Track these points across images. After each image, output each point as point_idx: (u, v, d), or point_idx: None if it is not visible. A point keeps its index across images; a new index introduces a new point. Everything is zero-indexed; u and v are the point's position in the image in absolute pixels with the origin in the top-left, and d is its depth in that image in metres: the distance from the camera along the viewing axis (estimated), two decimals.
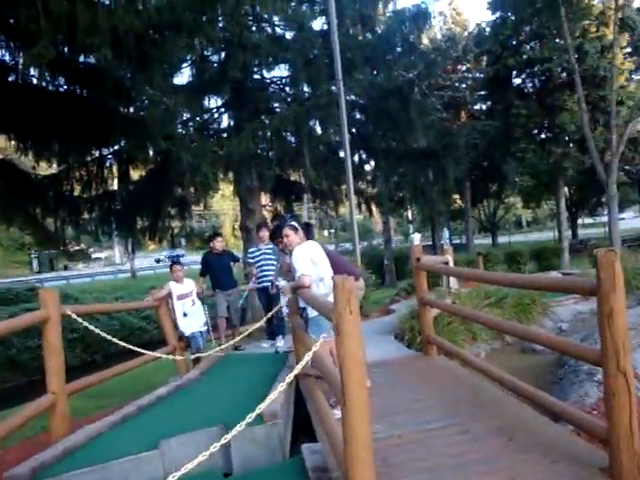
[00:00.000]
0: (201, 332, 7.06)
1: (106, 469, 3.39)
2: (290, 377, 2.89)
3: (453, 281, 9.48)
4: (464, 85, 29.01)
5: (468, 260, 17.38)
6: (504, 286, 6.33)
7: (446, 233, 14.46)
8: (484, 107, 29.08)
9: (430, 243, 32.06)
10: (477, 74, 28.13)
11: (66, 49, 8.73)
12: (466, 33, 30.22)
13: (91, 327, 4.82)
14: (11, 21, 8.24)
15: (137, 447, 3.60)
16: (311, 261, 4.39)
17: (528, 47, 23.38)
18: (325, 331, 4.21)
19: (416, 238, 9.73)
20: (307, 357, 2.92)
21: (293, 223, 4.66)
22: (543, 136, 25.17)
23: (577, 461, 3.04)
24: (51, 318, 4.26)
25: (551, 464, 3.03)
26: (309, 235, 4.64)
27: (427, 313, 6.03)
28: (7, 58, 9.21)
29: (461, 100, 28.37)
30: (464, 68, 29.00)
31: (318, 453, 3.20)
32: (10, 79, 9.49)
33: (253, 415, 2.78)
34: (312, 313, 4.33)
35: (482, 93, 27.88)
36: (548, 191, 30.59)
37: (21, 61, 8.80)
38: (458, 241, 39.41)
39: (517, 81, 24.88)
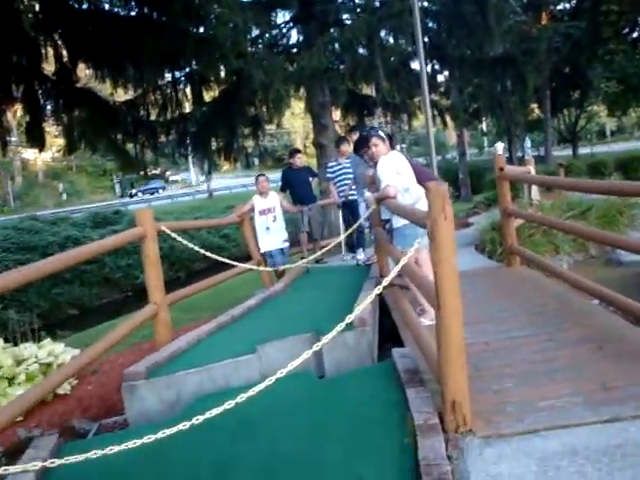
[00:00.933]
0: (282, 249, 7.23)
1: (209, 370, 3.68)
2: (381, 286, 2.97)
3: (535, 192, 9.19)
4: None
5: (548, 172, 16.65)
6: (590, 192, 6.05)
7: (528, 143, 13.80)
8: (568, 6, 26.80)
9: (507, 155, 30.83)
10: None
11: None
12: None
13: (185, 242, 5.09)
14: None
15: (234, 351, 3.86)
16: (396, 171, 4.36)
17: None
18: (411, 241, 4.26)
19: (499, 148, 9.37)
20: (398, 267, 2.97)
21: (380, 133, 4.59)
22: (635, 35, 23.08)
23: None
24: (148, 234, 4.52)
25: None
26: (392, 147, 4.58)
27: (510, 223, 5.93)
28: None
29: (542, 0, 26.22)
30: None
31: (408, 357, 3.32)
32: (84, 7, 9.63)
33: (345, 322, 2.90)
34: (397, 224, 4.36)
35: None
36: (637, 97, 28.35)
37: None
38: (536, 153, 37.65)
39: None
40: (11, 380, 4.29)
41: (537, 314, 4.31)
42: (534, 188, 9.15)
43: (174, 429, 2.38)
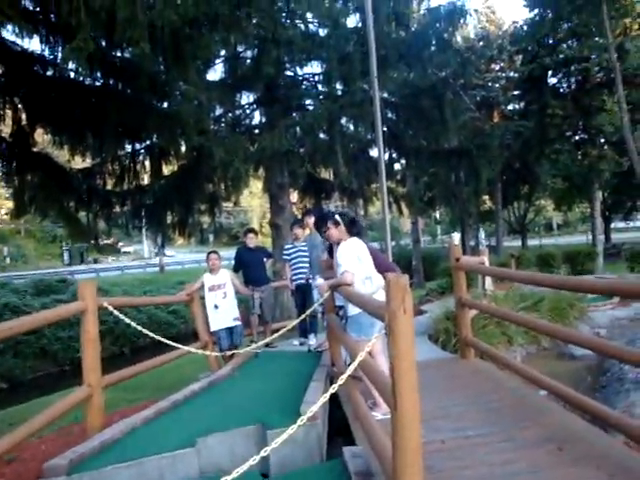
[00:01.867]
0: (230, 329, 6.92)
1: (142, 465, 3.35)
2: (336, 385, 2.77)
3: (489, 283, 9.29)
4: (497, 85, 28.55)
5: (499, 262, 17.09)
6: (546, 287, 6.13)
7: (482, 233, 14.21)
8: (518, 107, 28.61)
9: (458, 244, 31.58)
10: (511, 73, 27.66)
11: (104, 43, 8.78)
12: (500, 32, 29.74)
13: (127, 320, 4.79)
14: (52, 16, 8.32)
15: (172, 444, 3.55)
16: (357, 258, 4.26)
17: (565, 46, 22.92)
18: (366, 330, 4.11)
19: (455, 238, 9.53)
20: (355, 362, 2.79)
21: (336, 217, 4.51)
22: (578, 137, 24.67)
23: (636, 476, 2.88)
24: (89, 309, 4.24)
25: (609, 478, 2.87)
26: (354, 231, 4.49)
27: (465, 314, 5.88)
28: (46, 53, 9.31)
29: (494, 100, 27.92)
30: (498, 67, 28.55)
31: (359, 457, 3.10)
32: (48, 74, 9.60)
33: (296, 424, 2.68)
34: (352, 311, 4.22)
35: (516, 93, 27.41)
36: (581, 194, 29.98)
37: (60, 55, 8.87)
38: (487, 243, 38.81)
39: (553, 80, 24.46)
40: None
41: (493, 410, 4.17)
42: (488, 278, 9.26)
43: None
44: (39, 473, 3.36)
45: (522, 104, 27.27)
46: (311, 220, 6.80)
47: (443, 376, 5.39)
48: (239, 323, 6.96)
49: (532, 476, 2.99)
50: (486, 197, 33.20)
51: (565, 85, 24.14)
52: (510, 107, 29.19)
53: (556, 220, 63.44)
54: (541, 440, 3.47)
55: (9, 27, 7.81)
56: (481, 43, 27.01)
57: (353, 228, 4.48)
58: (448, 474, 3.08)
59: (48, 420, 3.78)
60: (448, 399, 4.56)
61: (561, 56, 22.44)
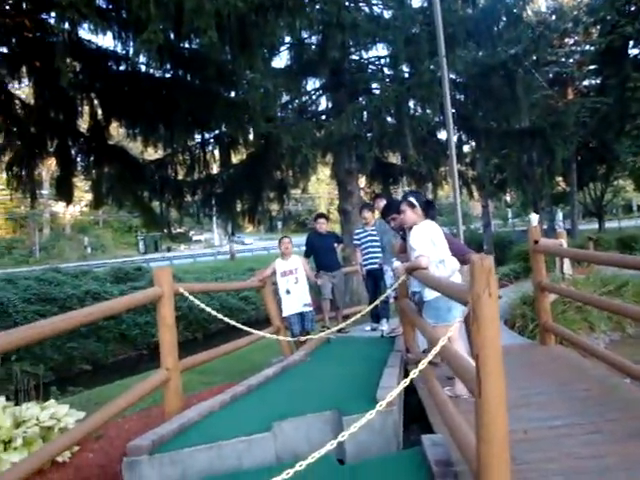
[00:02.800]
0: (302, 314, 6.95)
1: (220, 448, 3.38)
2: (416, 370, 2.69)
3: (567, 266, 8.88)
4: (572, 60, 27.17)
5: (575, 245, 16.34)
6: (630, 268, 5.77)
7: (560, 215, 13.63)
8: (594, 82, 27.15)
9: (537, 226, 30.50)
10: (587, 47, 26.22)
11: (172, 36, 8.95)
12: (575, 2, 28.21)
13: (203, 305, 4.87)
14: (123, 12, 8.55)
15: (248, 427, 3.57)
16: (431, 241, 4.13)
17: None
18: (444, 315, 3.99)
19: (534, 219, 9.16)
20: (436, 348, 2.69)
21: (411, 199, 4.35)
22: None
23: None
24: (165, 295, 4.32)
25: None
26: (429, 214, 4.34)
27: (545, 299, 5.63)
28: (119, 48, 9.61)
29: (568, 76, 26.61)
30: (572, 41, 27.14)
31: (440, 445, 3.00)
32: (121, 68, 9.90)
33: (374, 410, 2.61)
34: (429, 296, 4.10)
35: (592, 67, 25.99)
36: None
37: (131, 50, 9.12)
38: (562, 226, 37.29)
39: (634, 52, 22.95)
40: (7, 444, 4.01)
41: (578, 400, 3.96)
42: (566, 262, 8.86)
43: None
44: (123, 450, 3.47)
45: (599, 79, 25.82)
46: (382, 203, 6.68)
47: (522, 363, 5.18)
48: (311, 309, 6.97)
49: (625, 473, 2.79)
50: (560, 178, 31.83)
51: None
52: (585, 83, 27.75)
53: (636, 201, 59.99)
54: (633, 434, 3.25)
55: (85, 26, 8.05)
56: (554, 16, 25.76)
57: (429, 209, 4.33)
58: (534, 466, 2.94)
59: (131, 401, 3.91)
60: (529, 387, 4.38)
61: None
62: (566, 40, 26.80)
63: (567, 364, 4.98)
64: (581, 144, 25.47)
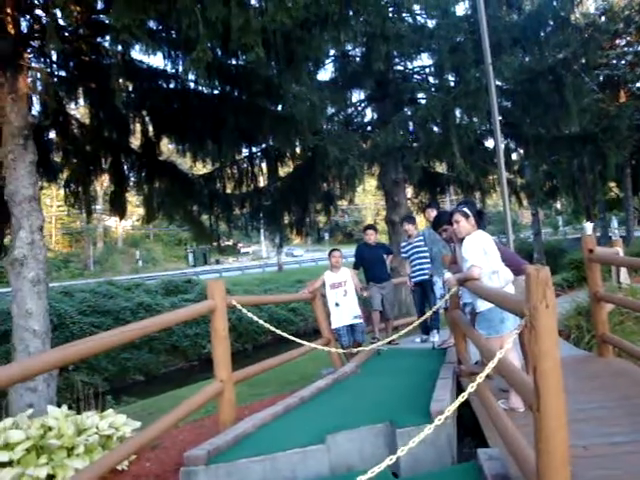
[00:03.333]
0: (351, 326, 6.92)
1: (275, 460, 3.41)
2: (474, 386, 2.66)
3: (624, 275, 8.57)
4: (624, 61, 26.36)
5: (631, 253, 15.77)
6: None
7: (615, 223, 13.22)
8: None
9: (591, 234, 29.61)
10: (639, 48, 25.41)
11: (220, 53, 9.17)
12: (626, 2, 27.40)
13: (256, 318, 4.94)
14: (172, 33, 8.83)
15: (302, 440, 3.59)
16: (483, 251, 4.07)
17: None
18: (497, 327, 3.93)
19: (588, 228, 8.93)
20: (493, 362, 2.66)
21: (465, 209, 4.31)
22: None
23: None
24: (218, 308, 4.41)
25: None
26: (481, 224, 4.29)
27: (601, 309, 5.46)
28: (169, 67, 9.92)
29: (620, 78, 25.81)
30: (624, 42, 26.34)
31: (496, 459, 2.94)
32: (171, 86, 10.20)
33: (431, 426, 2.59)
34: (481, 307, 4.04)
35: None
36: None
37: (181, 68, 9.40)
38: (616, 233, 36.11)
39: None
40: (70, 450, 4.16)
41: None
42: (623, 271, 8.55)
43: None
44: (179, 460, 3.55)
45: None
46: (433, 213, 6.62)
47: (580, 375, 5.02)
48: (360, 321, 6.94)
49: None
50: (613, 184, 30.82)
51: None
52: (639, 85, 26.85)
53: None
54: None
55: (137, 47, 8.35)
56: (604, 17, 25.07)
57: (481, 220, 4.28)
58: None
59: (187, 412, 3.99)
60: (588, 400, 4.24)
61: None
62: (617, 41, 26.01)
63: (627, 377, 4.79)
64: (635, 148, 24.59)
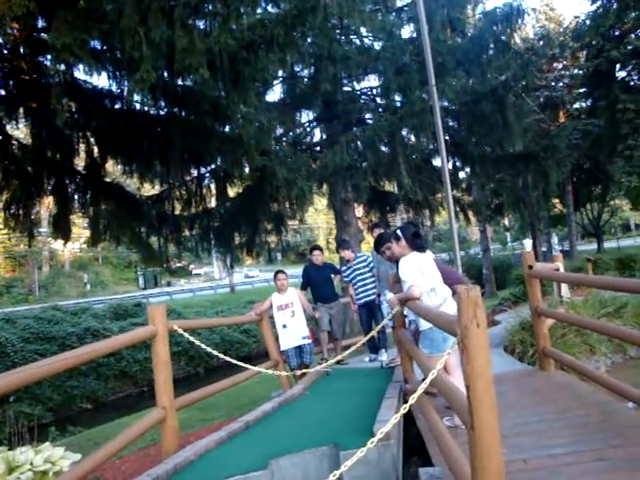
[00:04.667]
0: (300, 347, 6.87)
1: None
2: (407, 406, 2.67)
3: (565, 289, 8.86)
4: (561, 83, 27.55)
5: (574, 267, 16.34)
6: (636, 293, 5.74)
7: (555, 239, 13.67)
8: (584, 105, 27.48)
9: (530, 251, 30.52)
10: (575, 71, 26.63)
11: (165, 74, 9.10)
12: (561, 29, 28.78)
13: (197, 342, 4.85)
14: (117, 53, 8.71)
15: (245, 465, 3.53)
16: (420, 272, 4.14)
17: (633, 36, 21.79)
18: (438, 345, 3.97)
19: (527, 245, 9.19)
20: (428, 380, 2.68)
21: (397, 232, 4.41)
22: None
23: None
24: (159, 333, 4.31)
25: None
26: (417, 244, 4.35)
27: (542, 324, 5.60)
28: (114, 87, 9.77)
29: (559, 99, 26.94)
30: (560, 66, 27.58)
31: (437, 479, 2.95)
32: (117, 107, 10.03)
33: (367, 445, 2.58)
34: (424, 326, 4.09)
35: (582, 90, 26.34)
36: None
37: (126, 88, 9.26)
38: (560, 248, 37.39)
39: (622, 74, 23.27)
40: None
41: (580, 427, 3.90)
42: (564, 285, 8.84)
43: None
44: None
45: (589, 101, 26.17)
46: (378, 232, 6.68)
47: (522, 390, 5.13)
48: (309, 341, 6.90)
49: None
50: (556, 200, 31.96)
51: (636, 77, 22.94)
52: (576, 105, 28.07)
53: (634, 220, 60.11)
54: (638, 460, 3.19)
55: (80, 67, 8.20)
56: (541, 42, 26.21)
57: (416, 241, 4.34)
58: None
59: (126, 441, 3.86)
60: (529, 414, 4.32)
61: (629, 47, 21.33)
62: (555, 65, 27.22)
63: (568, 390, 4.92)
64: (575, 166, 25.65)
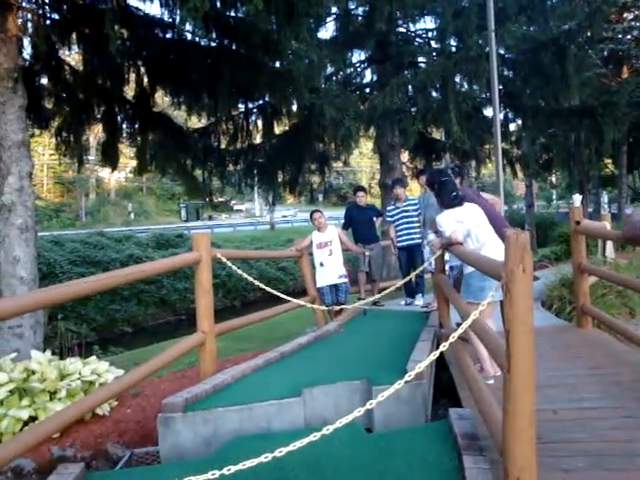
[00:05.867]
0: (336, 286, 6.96)
1: (251, 409, 3.49)
2: (446, 344, 2.71)
3: (610, 250, 8.65)
4: (629, 36, 25.93)
5: (620, 230, 15.84)
6: None
7: (605, 198, 13.25)
8: None
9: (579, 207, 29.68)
10: None
11: (218, 4, 8.95)
12: None
13: (239, 271, 4.97)
14: None
15: (279, 392, 3.67)
16: (455, 221, 4.16)
17: None
18: (475, 292, 3.98)
19: (576, 200, 8.94)
20: (466, 324, 2.71)
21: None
22: None
23: None
24: (203, 260, 4.43)
25: None
26: (453, 204, 4.34)
27: (584, 281, 5.53)
28: (166, 16, 9.67)
29: (625, 53, 25.43)
30: (632, 16, 25.87)
31: (466, 419, 3.02)
32: (168, 36, 9.97)
33: (402, 380, 2.64)
34: (467, 270, 4.11)
35: None
36: None
37: (178, 17, 9.16)
38: (608, 209, 36.22)
39: None
40: (52, 394, 4.23)
41: (612, 384, 3.90)
42: (609, 245, 8.63)
43: (201, 478, 2.18)
44: (159, 407, 3.61)
45: None
46: (423, 178, 6.60)
47: (557, 344, 5.13)
48: (345, 280, 6.98)
49: None
50: (608, 160, 30.72)
51: None
52: None
53: None
54: None
55: None
56: None
57: (453, 202, 4.32)
58: (560, 446, 2.93)
59: (167, 361, 4.05)
60: (562, 368, 4.34)
61: None
62: (626, 15, 25.53)
63: (603, 348, 4.89)
64: (633, 125, 24.40)
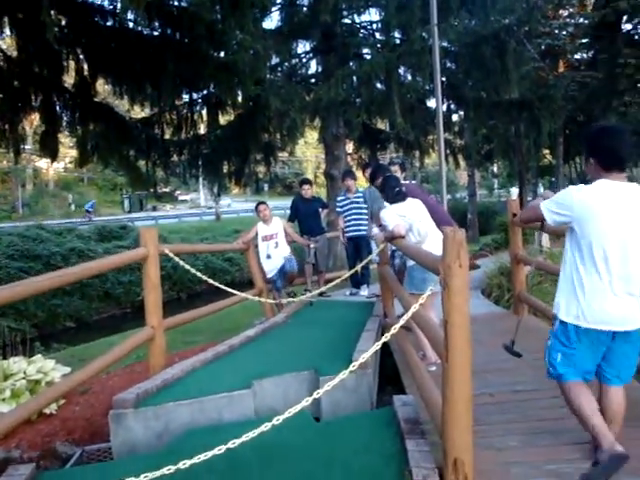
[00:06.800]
0: (283, 266, 6.94)
1: (202, 403, 3.55)
2: (388, 335, 2.85)
3: (545, 240, 9.08)
4: (565, 32, 26.91)
5: None
6: None
7: (541, 188, 13.83)
8: (585, 56, 27.01)
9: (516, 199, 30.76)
10: (580, 19, 25.95)
11: None
12: None
13: (187, 266, 4.98)
14: None
15: (229, 385, 3.73)
16: (397, 215, 4.31)
17: None
18: (417, 285, 4.15)
19: (513, 193, 9.32)
20: (408, 314, 2.85)
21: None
22: None
23: None
24: (150, 255, 4.42)
25: None
26: (397, 199, 4.49)
27: (520, 270, 5.82)
28: (106, 3, 9.43)
29: (560, 48, 26.38)
30: (566, 13, 26.85)
31: (409, 405, 3.18)
32: (108, 24, 9.72)
33: (347, 370, 2.76)
34: (410, 262, 4.27)
35: (584, 41, 25.77)
36: None
37: (119, 5, 8.95)
38: None
39: (627, 27, 22.79)
40: None
41: (542, 368, 4.13)
42: (545, 235, 9.05)
43: (157, 473, 2.23)
44: (108, 404, 3.62)
45: (591, 53, 25.68)
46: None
47: (494, 331, 5.38)
48: (290, 257, 7.00)
49: (582, 433, 2.96)
50: (547, 151, 31.90)
51: None
52: (577, 56, 27.56)
53: None
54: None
55: None
56: None
57: (397, 197, 4.47)
58: (495, 427, 3.14)
59: (116, 357, 4.04)
60: (499, 354, 4.54)
61: None
62: (560, 12, 26.45)
63: (536, 334, 5.15)
64: (569, 118, 25.42)
